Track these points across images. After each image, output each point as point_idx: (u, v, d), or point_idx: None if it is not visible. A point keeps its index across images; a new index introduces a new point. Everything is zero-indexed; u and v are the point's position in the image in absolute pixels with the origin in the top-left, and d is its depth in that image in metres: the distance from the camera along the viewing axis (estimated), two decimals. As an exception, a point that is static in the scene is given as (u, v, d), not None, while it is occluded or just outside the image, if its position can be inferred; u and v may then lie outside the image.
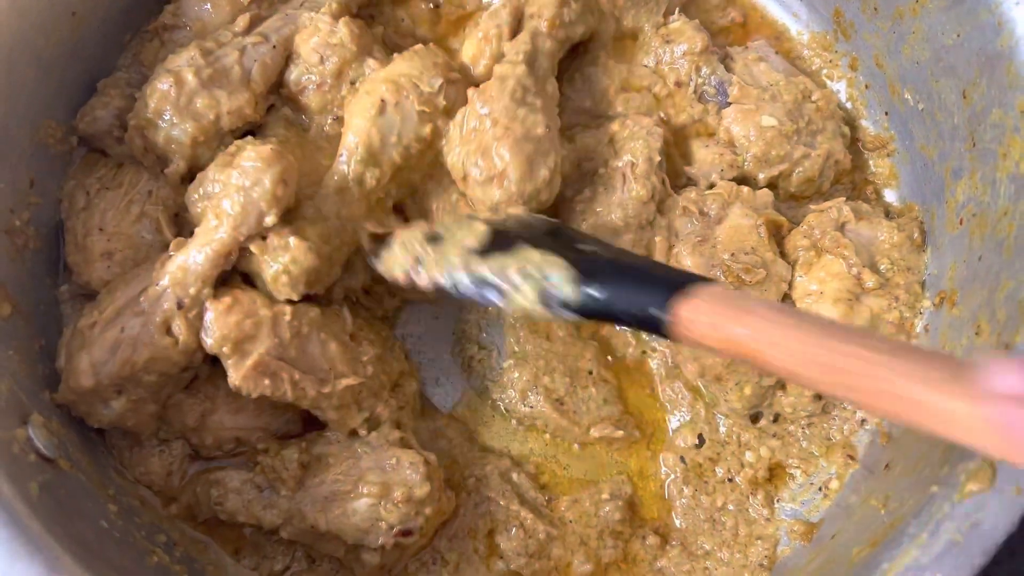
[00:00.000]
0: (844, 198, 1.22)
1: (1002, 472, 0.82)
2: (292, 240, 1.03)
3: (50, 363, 1.09)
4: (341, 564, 1.13)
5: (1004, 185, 1.02)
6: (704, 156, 1.25)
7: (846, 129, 1.27)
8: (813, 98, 1.25)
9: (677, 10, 1.31)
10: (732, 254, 1.13)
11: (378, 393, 1.14)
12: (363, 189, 1.11)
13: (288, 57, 1.19)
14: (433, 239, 1.05)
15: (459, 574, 1.14)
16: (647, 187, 1.16)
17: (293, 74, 1.18)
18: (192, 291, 1.03)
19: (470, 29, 1.25)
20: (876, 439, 1.13)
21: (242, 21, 1.19)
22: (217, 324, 1.02)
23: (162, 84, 1.12)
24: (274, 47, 1.17)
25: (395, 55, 1.18)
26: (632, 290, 0.87)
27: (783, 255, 1.18)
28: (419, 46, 1.18)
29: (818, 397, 1.13)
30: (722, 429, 1.19)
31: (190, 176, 1.12)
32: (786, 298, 1.15)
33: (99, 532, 0.96)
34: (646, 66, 1.29)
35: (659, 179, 1.18)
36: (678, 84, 1.27)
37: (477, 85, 1.14)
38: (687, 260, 1.13)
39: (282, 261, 1.03)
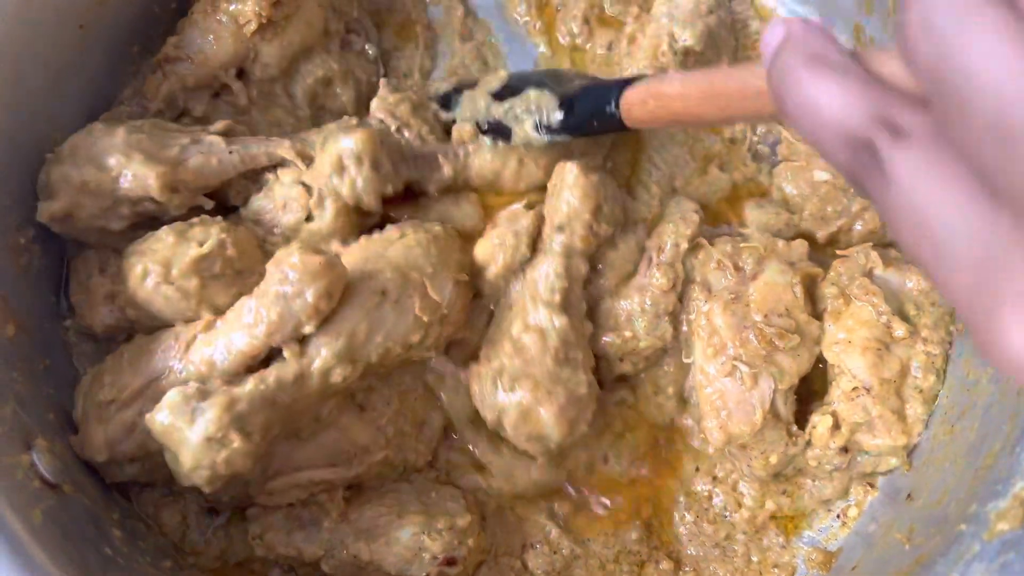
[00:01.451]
0: (871, 243, 1.18)
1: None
2: (236, 439, 0.93)
3: (55, 382, 1.08)
4: None
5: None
6: (759, 217, 1.21)
7: None
8: None
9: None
10: (765, 316, 1.09)
11: (404, 445, 1.12)
12: (324, 383, 1.00)
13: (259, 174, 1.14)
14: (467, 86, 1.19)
15: None
16: (669, 276, 1.12)
17: (256, 202, 1.12)
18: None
19: (487, 228, 1.18)
20: (899, 468, 1.10)
21: (220, 125, 1.15)
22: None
23: (90, 129, 1.09)
24: (231, 153, 1.12)
25: (409, 228, 1.09)
26: (596, 102, 1.03)
27: (813, 303, 1.15)
28: (439, 229, 1.11)
29: (844, 450, 1.10)
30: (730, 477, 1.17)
31: (65, 220, 1.07)
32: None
33: (103, 559, 0.94)
34: None
35: (684, 268, 1.14)
36: (732, 141, 1.25)
37: (481, 293, 1.13)
38: (718, 319, 1.09)
39: (217, 458, 0.93)
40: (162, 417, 0.93)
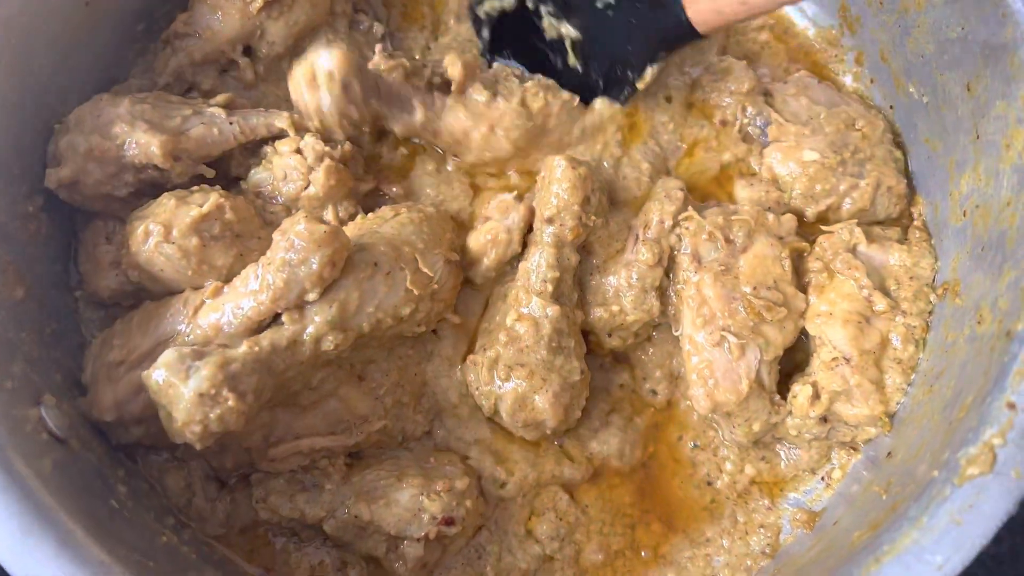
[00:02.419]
0: (855, 220, 1.21)
1: (1002, 456, 0.83)
2: (230, 397, 0.96)
3: (62, 347, 1.11)
4: (373, 570, 1.14)
5: (1007, 176, 1.02)
6: (749, 195, 1.24)
7: (898, 153, 1.24)
8: (857, 126, 1.24)
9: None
10: (754, 288, 1.12)
11: (402, 415, 1.15)
12: (316, 350, 1.03)
13: (259, 145, 1.18)
14: None
15: (500, 564, 1.15)
16: (654, 251, 1.15)
17: (257, 174, 1.16)
18: None
19: (479, 216, 1.22)
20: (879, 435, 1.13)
21: (221, 98, 1.20)
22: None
23: (96, 100, 1.12)
24: (231, 124, 1.16)
25: (403, 208, 1.13)
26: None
27: (798, 276, 1.18)
28: (432, 210, 1.15)
29: (824, 420, 1.13)
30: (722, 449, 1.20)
31: (72, 186, 1.11)
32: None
33: (110, 510, 0.97)
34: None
35: (668, 244, 1.16)
36: (723, 123, 1.28)
37: (473, 282, 1.18)
38: (708, 290, 1.12)
39: (210, 414, 0.96)
40: (158, 374, 0.96)
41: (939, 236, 1.18)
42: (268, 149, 1.17)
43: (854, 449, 1.16)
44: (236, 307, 1.02)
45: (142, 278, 1.09)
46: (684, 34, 1.12)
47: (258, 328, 1.02)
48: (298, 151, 1.15)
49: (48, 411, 0.98)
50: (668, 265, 1.16)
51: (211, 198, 1.07)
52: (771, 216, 1.18)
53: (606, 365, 1.22)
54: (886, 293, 1.15)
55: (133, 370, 1.04)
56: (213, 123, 1.16)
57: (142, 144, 1.10)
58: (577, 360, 1.11)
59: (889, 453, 1.08)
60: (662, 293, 1.16)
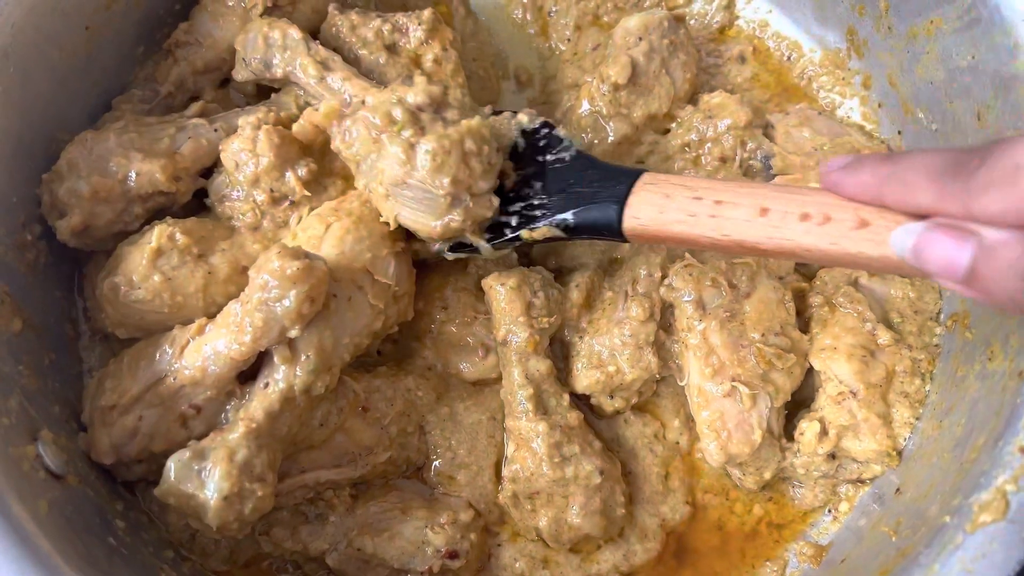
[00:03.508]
0: None
1: (1015, 503, 0.82)
2: (257, 487, 0.96)
3: (61, 377, 1.10)
4: None
5: (1018, 209, 1.01)
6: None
7: None
8: None
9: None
10: (763, 335, 1.10)
11: (407, 444, 1.14)
12: (309, 399, 1.02)
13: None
14: None
15: None
16: (645, 307, 1.12)
17: (215, 182, 1.13)
18: (209, 394, 1.01)
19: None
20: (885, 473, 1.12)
21: (195, 107, 1.19)
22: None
23: (80, 141, 1.11)
24: (216, 131, 1.15)
25: (329, 216, 1.07)
26: (599, 215, 1.00)
27: (799, 313, 1.16)
28: (357, 205, 1.08)
29: (832, 456, 1.11)
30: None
31: (84, 232, 1.09)
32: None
33: (107, 549, 0.96)
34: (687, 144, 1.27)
35: (659, 297, 1.14)
36: (723, 160, 1.25)
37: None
38: (715, 338, 1.09)
39: (244, 510, 0.96)
40: (172, 488, 0.95)
41: (948, 266, 1.16)
42: (222, 157, 1.13)
43: (861, 483, 1.14)
44: (217, 348, 1.00)
45: (131, 332, 1.08)
46: (610, 232, 1.00)
47: (244, 367, 1.01)
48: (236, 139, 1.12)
49: (45, 447, 0.97)
50: (662, 317, 1.14)
51: (156, 231, 1.05)
52: (772, 259, 1.16)
53: (629, 419, 1.19)
54: (889, 326, 1.13)
55: (126, 414, 1.03)
56: (199, 134, 1.15)
57: (144, 172, 1.09)
58: (589, 461, 1.07)
59: (898, 489, 1.07)
60: (659, 347, 1.14)
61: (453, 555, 1.07)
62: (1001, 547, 0.80)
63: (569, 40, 1.38)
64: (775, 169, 1.23)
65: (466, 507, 1.11)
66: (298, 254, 0.97)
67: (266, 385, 1.00)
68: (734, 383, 1.07)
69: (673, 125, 1.28)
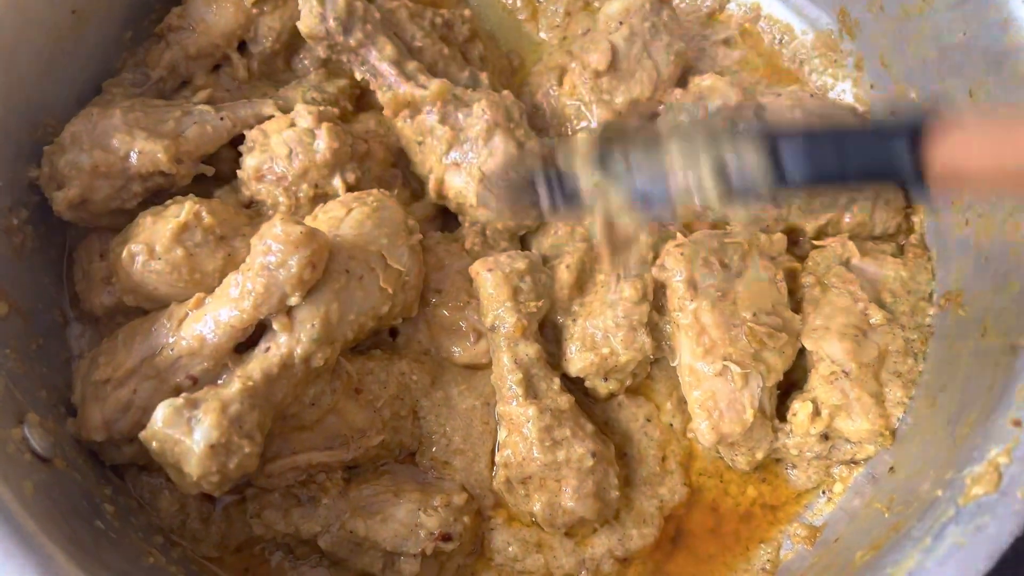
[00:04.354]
0: (847, 234, 1.19)
1: (1008, 476, 0.81)
2: (245, 444, 0.96)
3: (48, 362, 1.09)
4: None
5: (1010, 185, 1.00)
6: (746, 212, 1.19)
7: None
8: None
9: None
10: (754, 314, 1.09)
11: (400, 428, 1.13)
12: (307, 369, 1.02)
13: (247, 134, 1.15)
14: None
15: None
16: (638, 288, 1.11)
17: (253, 160, 1.12)
18: (206, 365, 1.01)
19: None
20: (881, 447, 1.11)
21: (202, 94, 1.19)
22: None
23: (86, 115, 1.11)
24: (222, 119, 1.15)
25: (355, 203, 1.08)
26: (858, 147, 0.75)
27: (791, 293, 1.15)
28: (380, 195, 1.10)
29: (825, 437, 1.11)
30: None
31: (81, 205, 1.09)
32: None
33: (94, 532, 0.95)
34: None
35: (652, 277, 1.13)
36: None
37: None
38: (707, 317, 1.08)
39: (228, 463, 0.95)
40: (157, 431, 0.94)
41: (942, 244, 1.16)
42: (254, 134, 1.14)
43: (855, 463, 1.13)
44: (218, 317, 1.00)
45: (139, 300, 1.07)
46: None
47: (243, 336, 1.01)
48: (292, 124, 1.12)
49: (31, 430, 0.96)
50: (655, 296, 1.13)
51: (186, 207, 1.05)
52: (763, 236, 1.16)
53: (623, 403, 1.18)
54: (882, 306, 1.13)
55: (120, 388, 1.02)
56: (205, 120, 1.15)
57: (147, 152, 1.09)
58: (580, 443, 1.06)
59: (891, 468, 1.06)
60: (653, 328, 1.13)
61: (446, 537, 1.07)
62: (994, 519, 0.79)
63: (558, 26, 1.38)
64: None
65: (459, 490, 1.11)
66: (299, 222, 0.98)
67: (267, 349, 1.00)
68: (725, 362, 1.06)
69: (662, 107, 1.27)
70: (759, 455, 1.10)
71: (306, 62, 1.27)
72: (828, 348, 1.09)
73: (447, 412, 1.16)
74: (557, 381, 1.10)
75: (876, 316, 1.10)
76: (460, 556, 1.12)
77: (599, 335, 1.12)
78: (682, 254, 1.12)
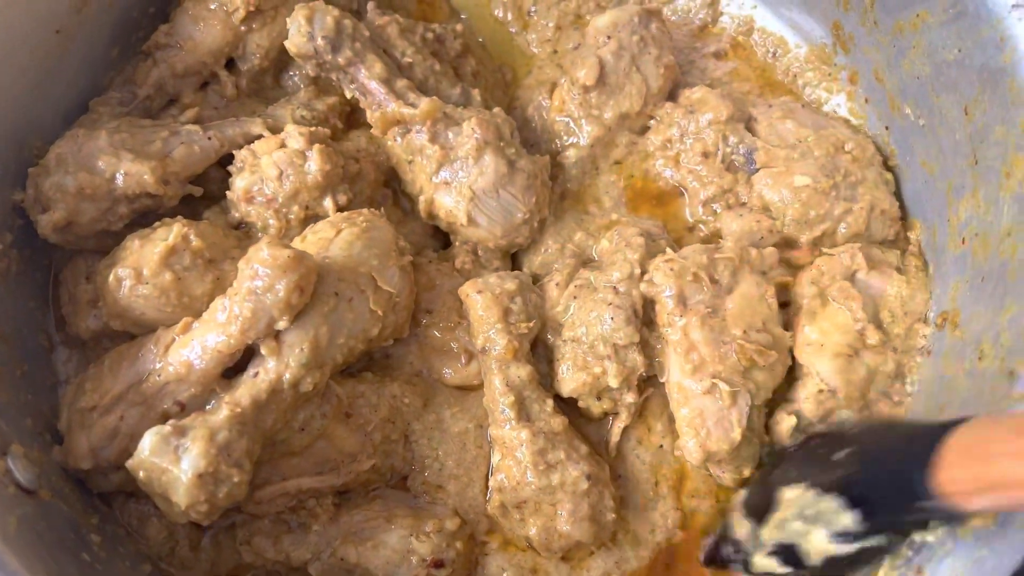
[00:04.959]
0: (858, 244, 1.17)
1: (1006, 507, 0.80)
2: (234, 473, 0.95)
3: (34, 389, 1.08)
4: None
5: (1007, 205, 0.99)
6: (740, 226, 1.20)
7: (888, 175, 1.21)
8: (847, 148, 1.20)
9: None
10: (744, 331, 1.08)
11: (392, 452, 1.12)
12: (296, 394, 1.00)
13: (230, 159, 1.14)
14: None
15: None
16: (625, 307, 1.10)
17: (242, 181, 1.11)
18: (193, 391, 1.00)
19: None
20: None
21: (190, 113, 1.18)
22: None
23: (71, 136, 1.09)
24: (210, 139, 1.14)
25: (342, 223, 1.07)
26: (894, 485, 0.82)
27: (788, 301, 1.15)
28: (370, 216, 1.09)
29: None
30: None
31: (66, 228, 1.08)
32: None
33: (81, 565, 0.94)
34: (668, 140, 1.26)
35: (640, 293, 1.12)
36: (705, 155, 1.23)
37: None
38: (696, 334, 1.07)
39: (217, 493, 0.94)
40: (144, 460, 0.92)
41: (938, 262, 1.15)
42: (243, 154, 1.13)
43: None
44: (205, 342, 0.98)
45: (126, 325, 1.06)
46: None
47: (230, 361, 0.99)
48: (282, 145, 1.11)
49: (15, 461, 0.94)
50: (645, 311, 1.12)
51: (174, 230, 1.04)
52: (754, 251, 1.15)
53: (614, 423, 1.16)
54: (879, 326, 1.12)
55: (106, 415, 1.01)
56: (192, 140, 1.14)
57: (133, 174, 1.08)
58: (575, 466, 1.05)
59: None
60: (644, 345, 1.12)
61: (439, 564, 1.05)
62: (992, 553, 0.78)
63: (549, 40, 1.37)
64: (758, 163, 1.22)
65: (452, 515, 1.10)
66: (287, 246, 0.97)
67: (256, 375, 0.98)
68: (714, 380, 1.05)
69: (652, 122, 1.26)
70: (746, 472, 1.09)
71: (295, 79, 1.26)
72: (820, 365, 1.08)
73: (440, 435, 1.14)
74: (550, 403, 1.09)
75: (873, 338, 1.09)
76: None
77: (590, 356, 1.11)
78: (671, 269, 1.11)
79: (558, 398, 1.12)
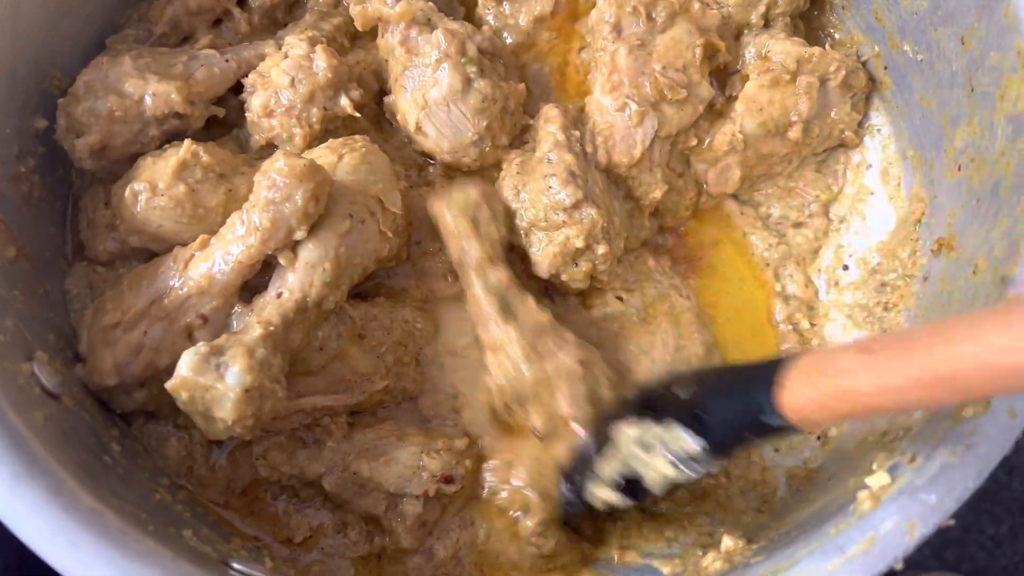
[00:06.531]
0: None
1: (997, 396, 0.83)
2: (277, 388, 0.98)
3: (55, 308, 1.11)
4: (372, 531, 1.13)
5: (1001, 126, 1.02)
6: None
7: None
8: None
9: None
10: (663, 67, 1.17)
11: (404, 373, 1.15)
12: (319, 312, 1.04)
13: (245, 82, 1.17)
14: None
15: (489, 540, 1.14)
16: (559, 170, 1.12)
17: (258, 99, 1.13)
18: (215, 303, 1.02)
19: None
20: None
21: (204, 40, 1.21)
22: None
23: (96, 64, 1.12)
24: (227, 61, 1.18)
25: (345, 149, 1.09)
26: (739, 409, 0.87)
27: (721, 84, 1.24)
28: (367, 142, 1.12)
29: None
30: None
31: (101, 152, 1.11)
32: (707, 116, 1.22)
33: (103, 465, 0.97)
34: None
35: (578, 153, 1.14)
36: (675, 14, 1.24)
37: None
38: (621, 60, 1.16)
39: (263, 407, 0.97)
40: (187, 379, 0.94)
41: (934, 193, 1.18)
42: (252, 78, 1.16)
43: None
44: (226, 254, 1.01)
45: (144, 241, 1.09)
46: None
47: (251, 273, 1.03)
48: (285, 56, 1.14)
49: (41, 367, 0.97)
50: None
51: (184, 145, 1.07)
52: (696, 4, 1.22)
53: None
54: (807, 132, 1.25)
55: (130, 330, 1.04)
56: (211, 63, 1.17)
57: (160, 93, 1.11)
58: (564, 352, 1.09)
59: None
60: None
61: (448, 479, 1.08)
62: (984, 439, 0.81)
63: None
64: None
65: (461, 435, 1.13)
66: (301, 156, 1.00)
67: (279, 294, 1.01)
68: (627, 99, 1.15)
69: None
70: (655, 194, 1.19)
71: (307, 16, 1.29)
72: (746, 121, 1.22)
73: (450, 360, 1.17)
74: (531, 300, 1.13)
75: (795, 134, 1.23)
76: (460, 500, 1.13)
77: (550, 216, 1.12)
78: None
79: (546, 294, 1.18)
